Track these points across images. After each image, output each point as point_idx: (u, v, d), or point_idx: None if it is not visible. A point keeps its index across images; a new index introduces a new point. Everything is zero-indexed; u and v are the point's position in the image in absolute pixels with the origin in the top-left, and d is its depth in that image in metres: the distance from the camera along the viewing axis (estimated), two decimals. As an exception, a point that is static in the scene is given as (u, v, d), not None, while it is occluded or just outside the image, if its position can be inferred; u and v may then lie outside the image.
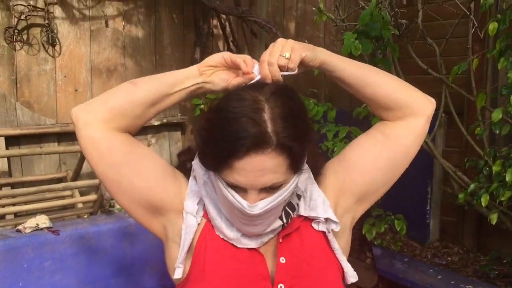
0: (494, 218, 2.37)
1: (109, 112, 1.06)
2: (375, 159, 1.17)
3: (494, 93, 3.24)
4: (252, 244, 1.08)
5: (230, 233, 1.07)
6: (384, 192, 1.23)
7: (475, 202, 2.59)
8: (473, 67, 2.50)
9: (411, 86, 1.20)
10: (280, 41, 1.07)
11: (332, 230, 1.12)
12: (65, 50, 3.29)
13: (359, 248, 3.96)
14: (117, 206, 2.71)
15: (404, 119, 1.16)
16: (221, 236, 1.09)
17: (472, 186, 2.51)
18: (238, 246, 1.08)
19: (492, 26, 2.14)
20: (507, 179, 2.13)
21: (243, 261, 1.08)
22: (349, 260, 1.16)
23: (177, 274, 1.10)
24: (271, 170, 0.95)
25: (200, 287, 1.07)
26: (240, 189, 0.99)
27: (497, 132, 2.23)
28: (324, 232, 1.13)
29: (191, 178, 1.15)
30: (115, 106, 1.07)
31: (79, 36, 3.35)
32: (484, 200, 2.32)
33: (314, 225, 1.13)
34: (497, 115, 2.13)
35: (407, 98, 1.16)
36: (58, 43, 3.25)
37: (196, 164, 1.10)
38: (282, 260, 1.08)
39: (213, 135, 0.97)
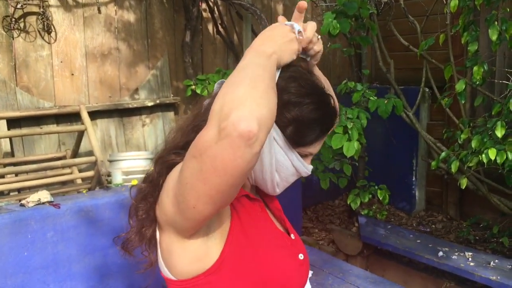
0: (463, 183, 2.52)
1: None
2: None
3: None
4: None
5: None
6: None
7: (448, 168, 2.74)
8: (440, 42, 2.62)
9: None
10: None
11: None
12: (60, 37, 3.43)
13: (348, 219, 4.14)
14: (114, 182, 2.84)
15: None
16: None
17: (443, 153, 2.66)
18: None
19: (453, 3, 2.26)
20: (472, 145, 2.28)
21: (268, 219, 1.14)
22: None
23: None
24: None
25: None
26: (304, 157, 1.07)
27: (463, 102, 2.36)
28: None
29: None
30: None
31: (73, 22, 3.48)
32: (454, 166, 2.47)
33: None
34: (460, 85, 2.27)
35: None
36: (53, 30, 3.38)
37: None
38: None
39: (319, 113, 1.00)
